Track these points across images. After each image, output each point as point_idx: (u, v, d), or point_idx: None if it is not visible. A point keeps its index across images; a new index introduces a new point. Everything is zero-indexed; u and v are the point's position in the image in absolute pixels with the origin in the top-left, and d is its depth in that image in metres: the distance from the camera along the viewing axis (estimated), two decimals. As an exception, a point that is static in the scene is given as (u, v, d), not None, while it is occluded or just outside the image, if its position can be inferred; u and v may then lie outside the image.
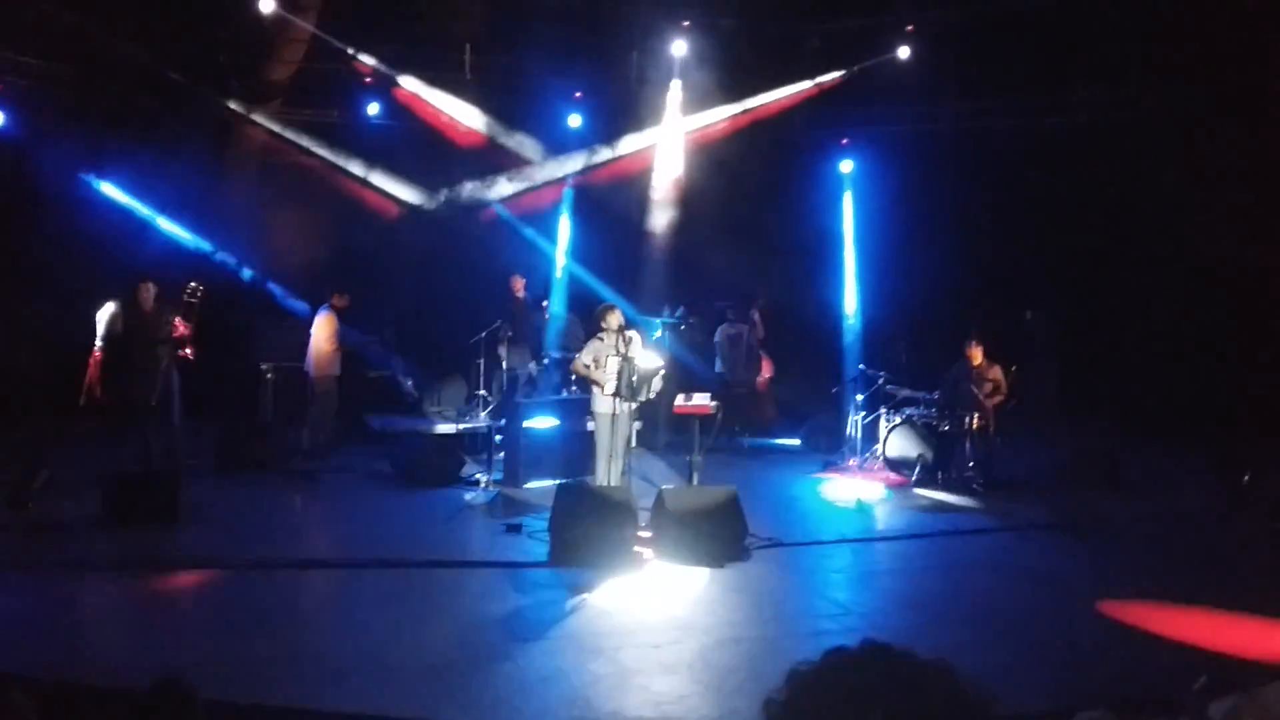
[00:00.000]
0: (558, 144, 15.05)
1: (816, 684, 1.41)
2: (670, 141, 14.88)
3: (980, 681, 1.41)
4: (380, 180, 14.88)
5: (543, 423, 11.11)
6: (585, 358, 9.52)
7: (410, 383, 13.26)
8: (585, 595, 7.28)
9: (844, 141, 15.35)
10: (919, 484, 11.35)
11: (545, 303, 13.94)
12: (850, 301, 14.81)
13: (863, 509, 10.45)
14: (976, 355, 11.58)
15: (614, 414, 9.28)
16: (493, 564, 8.20)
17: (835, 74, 14.67)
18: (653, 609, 7.04)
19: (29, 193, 12.71)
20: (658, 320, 12.61)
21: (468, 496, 10.56)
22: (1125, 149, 13.50)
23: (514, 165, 15.13)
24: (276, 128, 14.32)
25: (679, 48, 14.05)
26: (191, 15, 13.14)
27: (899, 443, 11.66)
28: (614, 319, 9.39)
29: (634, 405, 9.42)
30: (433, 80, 14.41)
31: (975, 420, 11.28)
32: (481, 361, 12.18)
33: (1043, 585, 7.84)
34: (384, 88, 14.38)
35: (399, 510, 9.98)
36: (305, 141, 14.49)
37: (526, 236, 15.10)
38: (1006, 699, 5.40)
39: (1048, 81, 13.48)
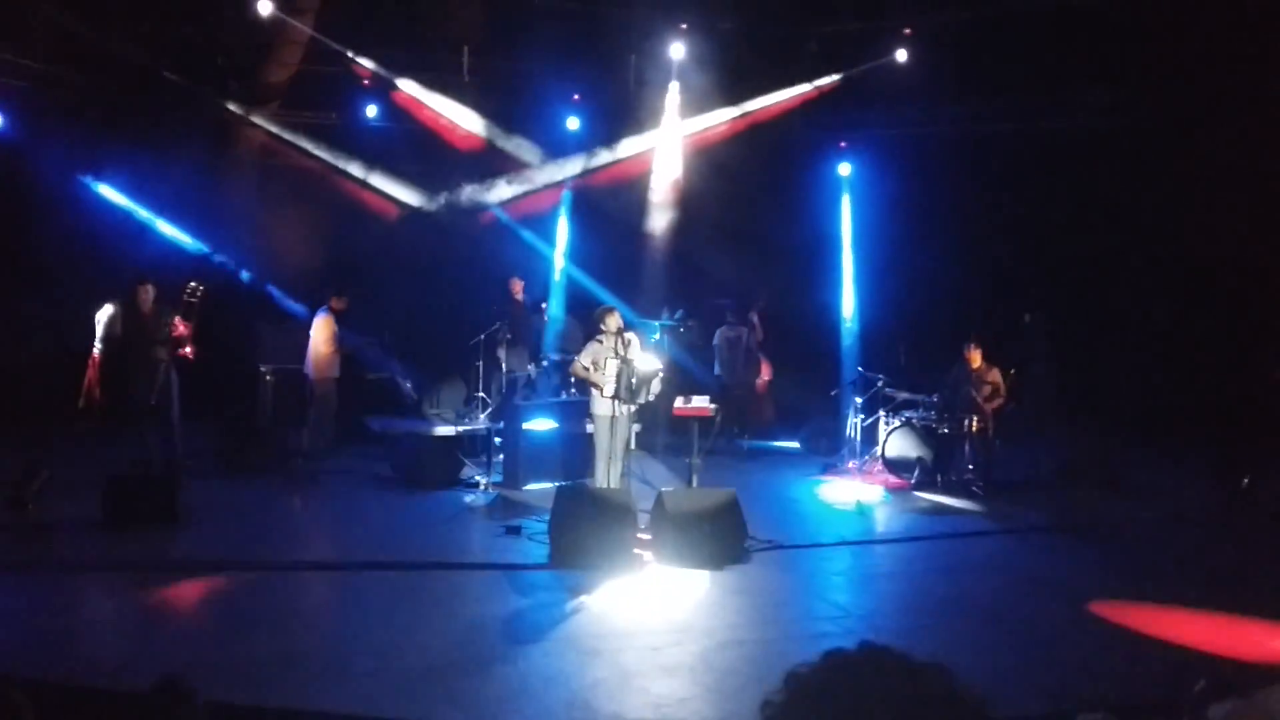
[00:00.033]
0: (556, 147, 15.06)
1: (814, 686, 1.42)
2: (669, 144, 14.89)
3: (977, 684, 1.42)
4: (379, 182, 14.88)
5: (542, 425, 11.12)
6: (584, 360, 9.52)
7: (409, 385, 13.25)
8: (585, 597, 7.28)
9: (842, 144, 15.38)
10: (918, 486, 11.35)
11: (544, 305, 13.94)
12: (848, 304, 14.82)
13: (862, 511, 10.45)
14: (975, 358, 11.60)
15: (613, 416, 9.29)
16: (492, 566, 8.20)
17: (833, 77, 14.69)
18: (652, 611, 7.04)
19: (28, 194, 12.71)
20: (656, 323, 12.61)
21: (467, 498, 10.56)
22: (1123, 151, 13.50)
23: (513, 168, 15.15)
24: (275, 129, 14.33)
25: (677, 50, 14.07)
26: (190, 17, 13.15)
27: (898, 445, 11.66)
28: (613, 321, 9.40)
29: (633, 407, 9.43)
30: (431, 83, 14.42)
31: (974, 423, 11.30)
32: (480, 364, 12.18)
33: (1043, 587, 7.84)
34: (383, 90, 14.39)
35: (398, 512, 9.97)
36: (304, 143, 14.49)
37: (525, 239, 15.11)
38: (1007, 702, 5.43)
39: (1046, 84, 13.49)
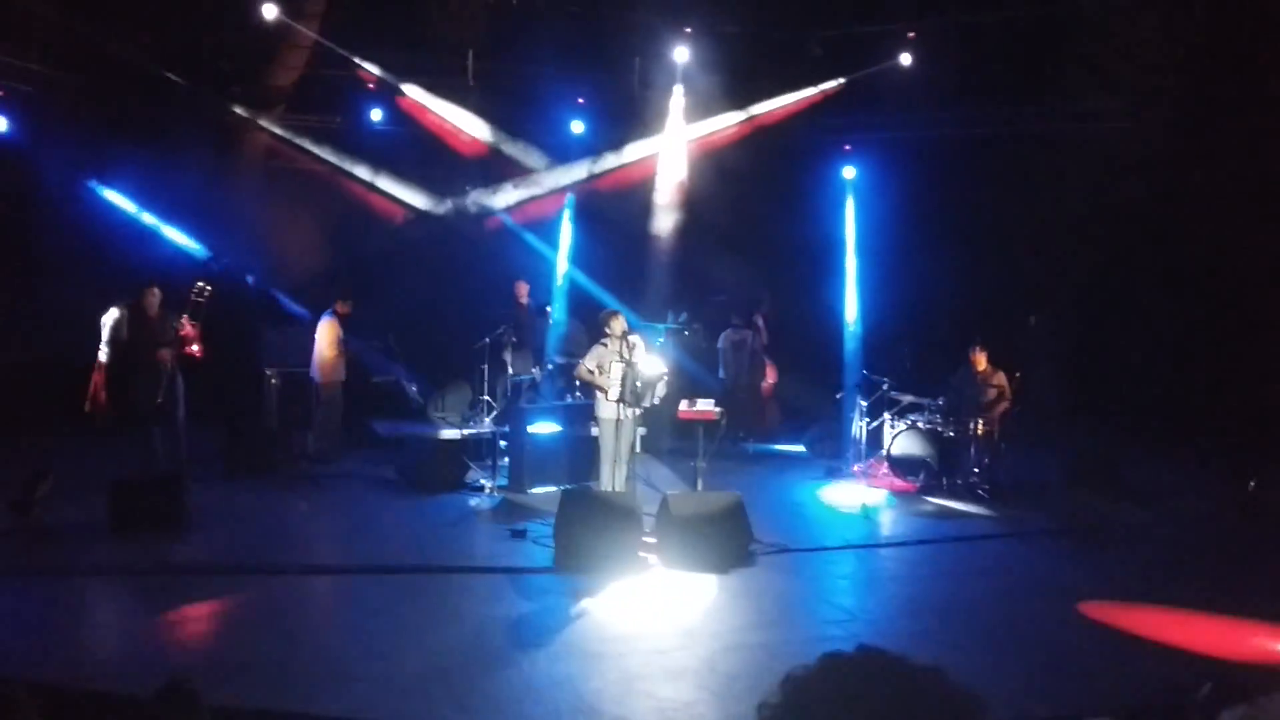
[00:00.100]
0: (561, 150, 15.08)
1: (810, 688, 1.42)
2: (673, 147, 14.90)
3: (977, 687, 1.42)
4: (384, 186, 14.91)
5: (547, 428, 11.12)
6: (589, 363, 9.52)
7: (415, 388, 13.28)
8: (590, 601, 7.28)
9: (847, 147, 15.35)
10: (924, 490, 11.33)
11: (549, 308, 13.95)
12: (851, 308, 14.81)
13: (868, 515, 10.43)
14: (981, 361, 11.59)
15: (618, 419, 9.31)
16: (497, 569, 8.19)
17: (838, 80, 14.69)
18: (658, 615, 7.04)
19: (33, 198, 12.75)
20: (661, 326, 12.61)
21: (472, 502, 10.56)
22: (1128, 155, 13.48)
23: (518, 173, 15.18)
24: (280, 132, 14.35)
25: (681, 54, 14.07)
26: (195, 21, 13.17)
27: (903, 448, 11.64)
28: (617, 325, 9.41)
29: (638, 411, 9.42)
30: (436, 87, 14.44)
31: (980, 426, 11.28)
32: (485, 367, 12.20)
33: (1048, 591, 7.82)
34: (388, 94, 14.41)
35: (403, 516, 9.97)
36: (309, 147, 14.51)
37: (530, 243, 15.13)
38: (1013, 706, 5.42)
39: (1050, 87, 13.48)
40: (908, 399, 12.04)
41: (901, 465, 11.59)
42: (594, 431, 10.01)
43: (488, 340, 12.02)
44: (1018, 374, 11.61)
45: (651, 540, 8.44)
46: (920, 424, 11.71)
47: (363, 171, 14.79)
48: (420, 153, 14.68)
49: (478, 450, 11.77)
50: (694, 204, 14.65)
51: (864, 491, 11.29)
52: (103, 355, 9.98)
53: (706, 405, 9.63)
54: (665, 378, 9.51)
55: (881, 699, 1.37)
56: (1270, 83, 11.95)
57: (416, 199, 15.07)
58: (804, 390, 14.23)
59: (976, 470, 11.29)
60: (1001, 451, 11.51)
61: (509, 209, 15.27)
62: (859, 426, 12.46)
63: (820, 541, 9.36)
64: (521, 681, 5.75)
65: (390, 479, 11.33)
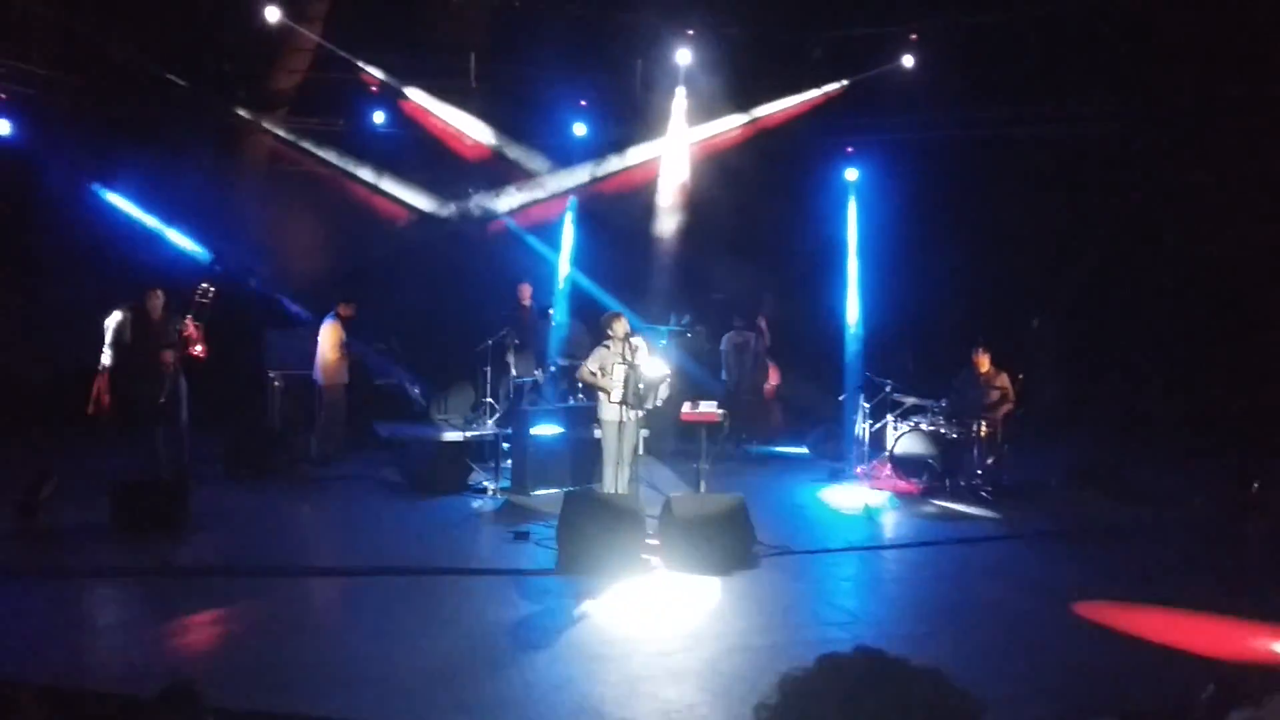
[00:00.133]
0: (563, 153, 15.09)
1: (807, 689, 1.43)
2: (675, 150, 14.90)
3: (973, 688, 1.42)
4: (388, 188, 14.92)
5: (549, 430, 11.12)
6: (591, 365, 9.52)
7: (418, 390, 13.29)
8: (593, 603, 7.28)
9: (849, 150, 15.36)
10: (927, 492, 11.32)
11: (551, 310, 13.96)
12: (852, 309, 14.80)
13: (871, 517, 10.42)
14: (984, 363, 11.59)
15: (621, 421, 9.30)
16: (500, 571, 8.19)
17: (840, 82, 14.69)
18: (661, 617, 7.03)
19: (36, 201, 12.76)
20: (663, 328, 12.62)
21: (475, 504, 10.56)
22: (1131, 156, 13.48)
23: (521, 176, 15.19)
24: (283, 135, 14.36)
25: (684, 56, 14.07)
26: (197, 24, 13.18)
27: (906, 450, 11.63)
28: (620, 327, 9.40)
29: (641, 413, 9.42)
30: (438, 90, 14.45)
31: (983, 428, 11.28)
32: (488, 369, 12.20)
33: (1051, 593, 7.80)
34: (390, 97, 14.42)
35: (406, 518, 9.97)
36: (312, 149, 14.52)
37: (532, 245, 15.13)
38: (1015, 707, 5.40)
39: (1053, 89, 13.47)
40: (910, 401, 12.04)
41: (904, 467, 11.59)
42: (596, 434, 10.00)
43: (490, 342, 12.03)
44: (1020, 376, 11.61)
45: (654, 542, 8.43)
46: (923, 426, 11.71)
47: (366, 174, 14.80)
48: (423, 156, 14.68)
49: (480, 452, 11.78)
50: (696, 206, 14.65)
51: (867, 493, 11.28)
52: (106, 358, 10.00)
53: (709, 407, 9.62)
54: (668, 380, 9.51)
55: (878, 700, 1.38)
56: (1272, 83, 11.94)
57: (420, 202, 15.07)
58: (807, 392, 14.23)
59: (979, 472, 11.28)
60: (1004, 453, 11.50)
61: (512, 212, 15.29)
62: (862, 428, 12.46)
63: (823, 543, 9.35)
64: (524, 683, 5.74)
65: (393, 481, 11.34)
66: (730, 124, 15.01)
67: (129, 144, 13.24)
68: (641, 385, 9.16)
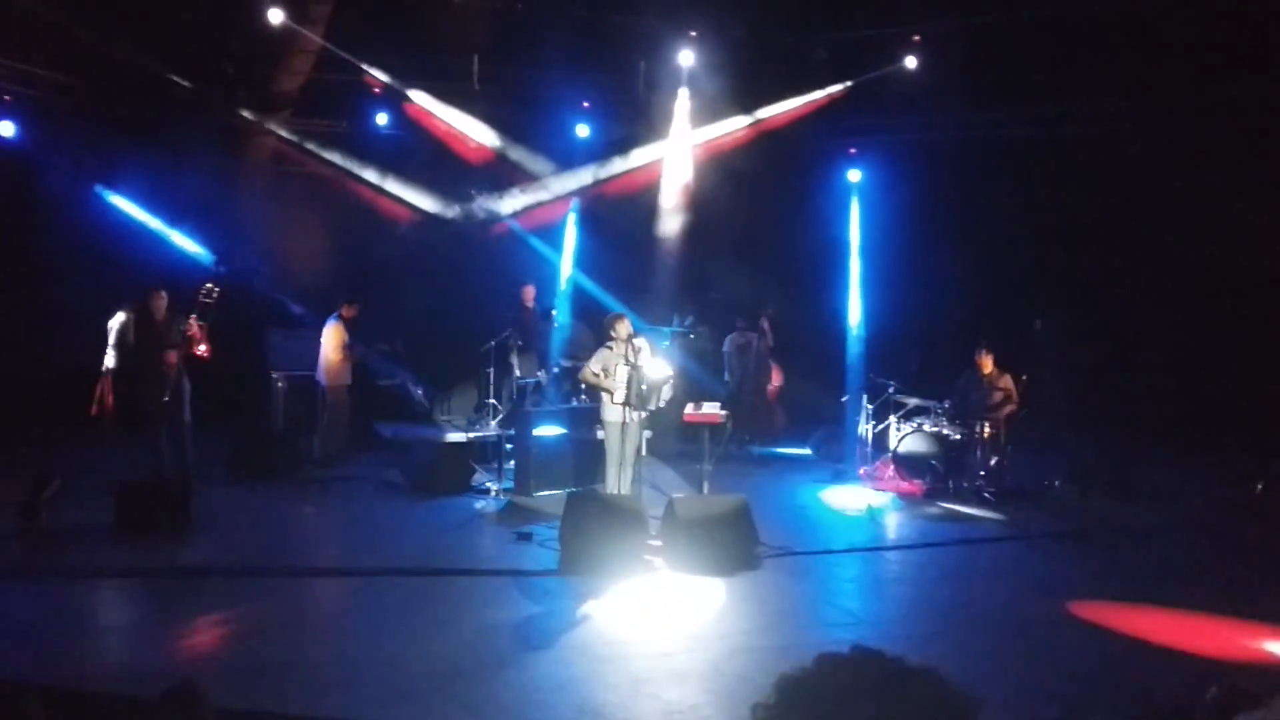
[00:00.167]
0: (566, 155, 15.10)
1: (804, 689, 1.43)
2: (678, 151, 14.91)
3: (972, 688, 1.42)
4: (391, 190, 14.93)
5: (552, 431, 11.12)
6: (594, 366, 9.52)
7: (421, 391, 13.29)
8: (596, 604, 7.27)
9: (852, 151, 15.37)
10: (929, 493, 11.31)
11: (554, 312, 13.96)
12: (855, 311, 14.80)
13: (873, 518, 10.41)
14: (987, 364, 11.58)
15: (623, 422, 9.30)
16: (503, 572, 8.18)
17: (843, 84, 14.69)
18: (663, 618, 7.03)
19: (40, 203, 12.78)
20: (666, 329, 12.61)
21: (478, 505, 10.56)
22: (1133, 157, 13.47)
23: (524, 178, 15.20)
24: (287, 137, 14.38)
25: (687, 58, 14.08)
26: (200, 25, 13.19)
27: (909, 451, 11.62)
28: (623, 328, 9.41)
29: (643, 414, 9.42)
30: (441, 92, 14.46)
31: (986, 429, 11.26)
32: (491, 370, 12.21)
33: (1054, 594, 7.78)
34: (394, 99, 14.44)
35: (409, 519, 9.98)
36: (315, 151, 14.54)
37: (536, 247, 15.15)
38: (1017, 709, 5.38)
39: (1055, 90, 13.47)
40: (913, 402, 12.03)
41: (907, 468, 11.58)
42: (599, 435, 9.99)
43: (493, 344, 12.03)
44: (1024, 377, 11.59)
45: (657, 543, 8.43)
46: (926, 427, 11.70)
47: (370, 176, 14.82)
48: (427, 158, 14.70)
49: (483, 453, 11.78)
50: (699, 208, 14.65)
51: (869, 494, 11.27)
52: (109, 359, 10.01)
53: (712, 408, 9.62)
54: (670, 381, 9.52)
55: (876, 700, 1.38)
56: (1273, 83, 11.92)
57: (423, 203, 15.09)
58: (809, 393, 14.21)
59: (982, 473, 11.26)
60: (1007, 454, 11.49)
61: (515, 214, 15.30)
62: (864, 429, 12.45)
63: (826, 544, 9.35)
64: (527, 684, 5.74)
65: (396, 482, 11.33)
66: (733, 125, 15.03)
67: (132, 145, 13.27)
68: (644, 386, 9.17)
